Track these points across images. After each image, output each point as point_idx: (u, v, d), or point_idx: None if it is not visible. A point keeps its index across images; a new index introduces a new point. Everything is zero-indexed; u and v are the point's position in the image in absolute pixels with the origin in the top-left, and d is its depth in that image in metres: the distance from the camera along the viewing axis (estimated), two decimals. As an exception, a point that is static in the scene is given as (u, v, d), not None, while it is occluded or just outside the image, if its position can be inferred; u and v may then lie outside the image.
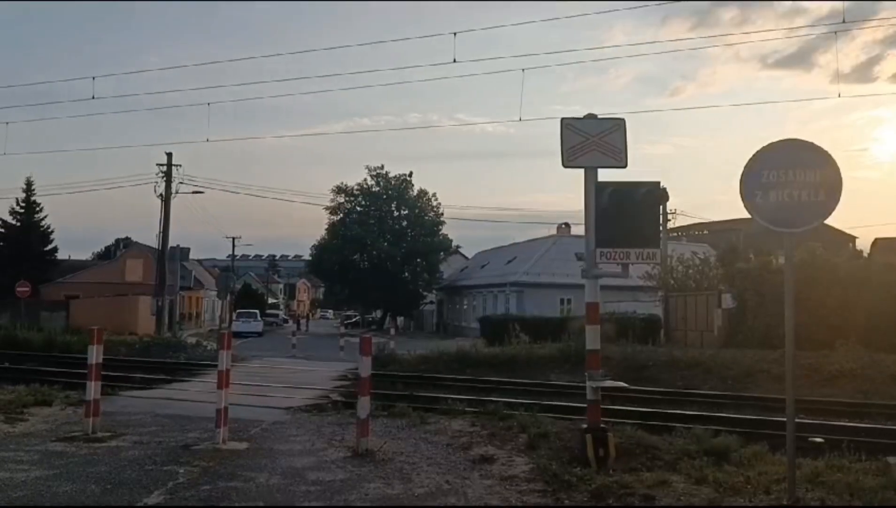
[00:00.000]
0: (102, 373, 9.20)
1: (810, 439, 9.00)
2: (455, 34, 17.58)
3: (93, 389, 8.45)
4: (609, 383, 7.63)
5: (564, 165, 7.32)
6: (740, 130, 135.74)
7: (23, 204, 53.79)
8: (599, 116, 7.57)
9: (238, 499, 5.79)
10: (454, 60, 19.43)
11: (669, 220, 36.95)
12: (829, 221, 6.49)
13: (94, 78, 35.74)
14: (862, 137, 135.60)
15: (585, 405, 7.47)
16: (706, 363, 19.00)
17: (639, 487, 6.04)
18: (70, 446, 7.71)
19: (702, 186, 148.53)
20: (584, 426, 7.25)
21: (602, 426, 7.23)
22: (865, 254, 34.34)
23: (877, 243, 30.00)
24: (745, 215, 6.28)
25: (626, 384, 9.04)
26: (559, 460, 7.16)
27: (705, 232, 69.57)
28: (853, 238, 60.35)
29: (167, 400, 12.04)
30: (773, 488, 5.97)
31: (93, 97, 23.93)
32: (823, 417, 11.96)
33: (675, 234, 54.48)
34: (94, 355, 8.53)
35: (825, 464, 6.81)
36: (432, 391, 14.37)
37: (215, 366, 8.48)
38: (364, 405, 7.75)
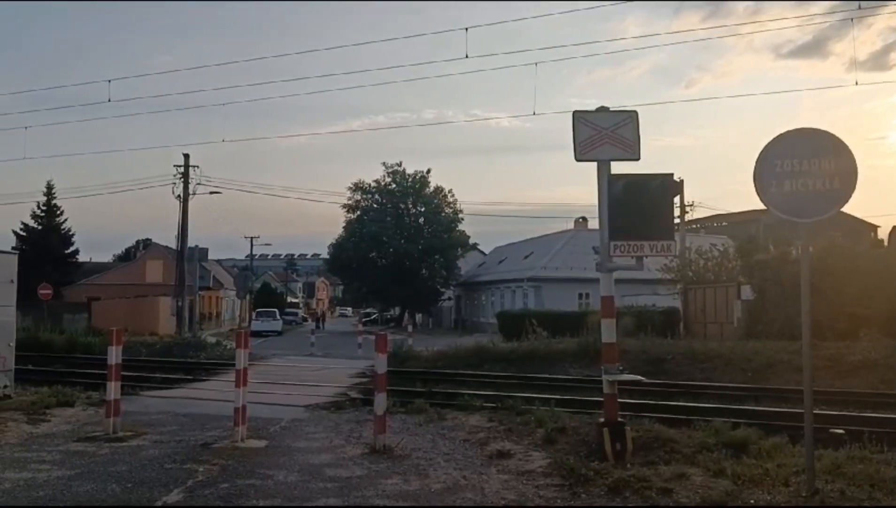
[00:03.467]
0: (124, 373, 9.33)
1: (831, 430, 8.90)
2: (467, 29, 17.58)
3: (113, 389, 8.54)
4: (626, 376, 7.61)
5: (577, 159, 7.31)
6: (757, 120, 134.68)
7: (44, 207, 54.38)
8: (612, 109, 7.55)
9: (256, 497, 5.83)
10: (466, 56, 19.43)
11: (687, 212, 36.85)
12: (850, 210, 6.44)
13: (109, 81, 35.84)
14: (880, 125, 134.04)
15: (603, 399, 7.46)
16: (726, 355, 18.85)
17: (656, 480, 6.01)
18: (91, 446, 7.80)
19: (720, 178, 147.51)
20: (602, 420, 7.24)
21: (619, 419, 7.22)
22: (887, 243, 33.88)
23: (894, 231, 29.54)
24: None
25: (642, 378, 9.01)
26: (576, 454, 7.16)
27: (724, 223, 68.89)
28: (875, 227, 59.60)
29: (187, 399, 12.15)
30: (793, 480, 5.94)
31: (108, 100, 24.11)
32: (845, 408, 11.86)
33: (694, 226, 54.00)
34: (114, 355, 8.62)
35: (846, 455, 6.76)
36: (450, 387, 14.38)
37: (234, 365, 8.54)
38: (381, 401, 7.79)
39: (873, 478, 5.90)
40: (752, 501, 5.45)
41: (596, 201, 7.38)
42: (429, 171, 61.82)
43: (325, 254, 73.78)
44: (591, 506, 5.65)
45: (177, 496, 5.84)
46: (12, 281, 11.99)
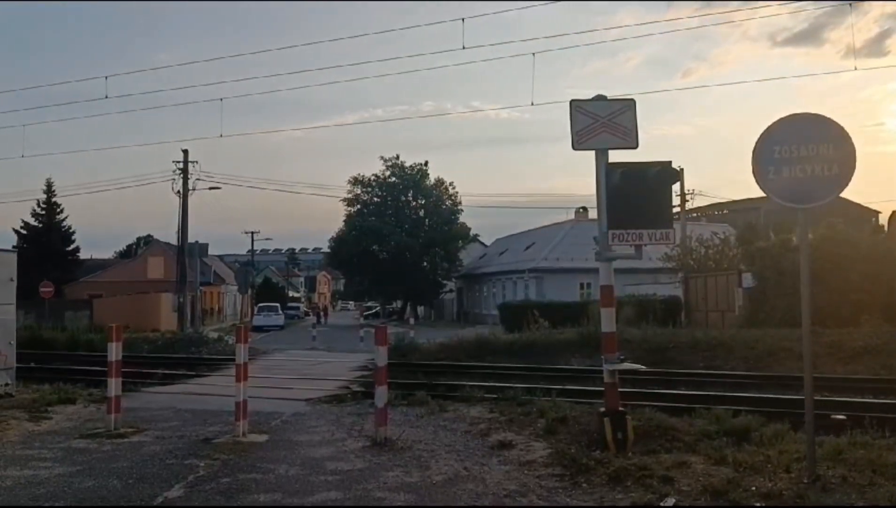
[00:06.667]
0: (126, 370, 9.33)
1: (832, 416, 8.91)
2: (464, 20, 17.42)
3: (114, 386, 8.54)
4: (626, 365, 7.60)
5: (574, 148, 7.27)
6: (756, 107, 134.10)
7: (44, 205, 54.44)
8: (609, 98, 7.51)
9: (257, 490, 5.83)
10: (463, 47, 19.27)
11: (687, 200, 36.75)
12: (851, 196, 6.40)
13: (106, 78, 35.85)
14: (878, 112, 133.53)
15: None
16: (728, 343, 18.87)
17: (657, 469, 6.01)
18: (93, 442, 7.81)
19: (721, 166, 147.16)
20: (603, 409, 7.23)
21: (621, 409, 7.20)
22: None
23: (893, 216, 29.40)
24: (764, 193, 6.17)
25: (643, 366, 9.00)
26: (578, 444, 7.15)
27: (725, 212, 68.84)
28: (876, 213, 59.44)
29: (188, 395, 12.15)
30: (794, 466, 5.93)
31: (106, 97, 24.03)
32: (846, 394, 11.85)
33: (694, 214, 53.92)
34: (114, 352, 8.62)
35: (847, 441, 6.75)
36: (452, 379, 14.36)
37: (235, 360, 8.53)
38: (381, 394, 7.79)
39: (875, 464, 5.90)
40: (753, 488, 5.44)
41: (595, 191, 7.35)
42: (426, 163, 61.86)
43: (326, 248, 73.78)
44: (593, 496, 5.64)
45: (178, 491, 5.84)
46: (12, 279, 11.97)
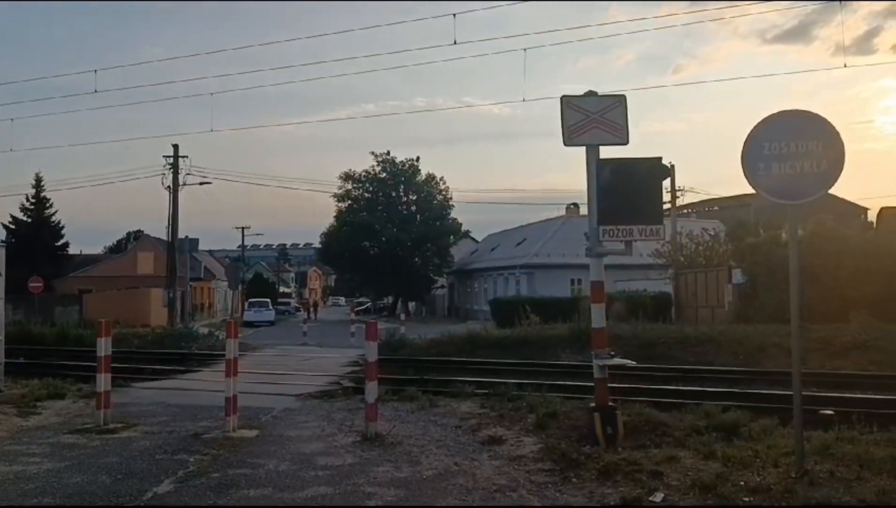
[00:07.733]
0: (116, 365, 9.30)
1: (820, 412, 8.95)
2: (455, 15, 17.37)
3: (103, 381, 8.50)
4: (616, 361, 7.61)
5: (565, 144, 7.26)
6: (746, 105, 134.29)
7: (33, 200, 54.14)
8: (601, 94, 7.51)
9: (247, 486, 5.82)
10: (454, 42, 19.30)
11: (678, 197, 36.86)
12: (841, 192, 6.44)
13: (96, 71, 35.60)
14: (867, 109, 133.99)
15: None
16: (717, 339, 18.95)
17: (647, 464, 6.04)
18: (82, 438, 7.77)
19: (713, 162, 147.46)
20: (593, 404, 7.25)
21: (611, 404, 7.23)
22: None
23: (882, 213, 29.51)
24: (755, 189, 6.20)
25: (633, 362, 9.01)
26: (568, 439, 7.18)
27: (715, 208, 69.06)
28: (865, 210, 59.78)
29: (179, 390, 12.12)
30: (782, 461, 5.96)
31: (95, 91, 23.83)
32: (835, 390, 11.92)
33: (685, 211, 54.06)
34: (104, 347, 8.59)
35: (835, 436, 6.80)
36: (442, 375, 14.38)
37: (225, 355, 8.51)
38: (371, 389, 7.79)
39: (862, 459, 5.93)
40: (741, 483, 5.47)
41: (586, 187, 7.36)
42: (417, 158, 61.78)
43: (317, 244, 73.69)
44: (582, 490, 5.66)
45: (168, 486, 5.82)
46: (0, 274, 11.91)
